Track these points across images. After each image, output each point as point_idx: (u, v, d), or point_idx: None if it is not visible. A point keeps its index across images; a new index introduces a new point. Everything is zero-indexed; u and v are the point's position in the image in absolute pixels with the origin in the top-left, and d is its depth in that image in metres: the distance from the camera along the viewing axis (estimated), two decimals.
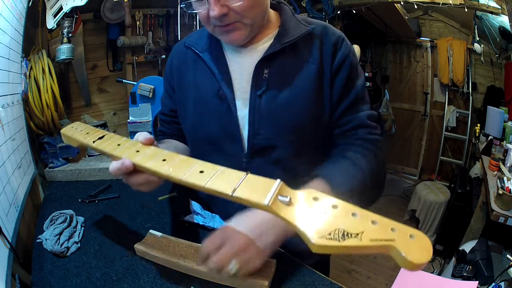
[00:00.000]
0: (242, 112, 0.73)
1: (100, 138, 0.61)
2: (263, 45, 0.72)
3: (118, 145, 0.58)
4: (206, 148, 0.78)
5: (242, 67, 0.73)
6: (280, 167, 0.73)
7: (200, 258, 0.56)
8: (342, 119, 0.74)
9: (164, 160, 0.52)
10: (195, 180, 0.46)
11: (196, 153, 0.83)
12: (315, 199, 0.41)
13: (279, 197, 0.42)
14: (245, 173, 0.47)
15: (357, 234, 0.36)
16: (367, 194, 0.68)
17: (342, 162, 0.70)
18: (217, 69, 0.74)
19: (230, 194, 0.43)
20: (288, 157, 0.73)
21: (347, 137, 0.75)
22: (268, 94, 0.71)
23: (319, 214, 0.39)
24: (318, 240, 0.37)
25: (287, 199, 0.41)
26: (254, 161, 0.74)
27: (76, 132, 0.66)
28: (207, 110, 0.76)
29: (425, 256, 0.34)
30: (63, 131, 0.69)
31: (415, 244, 0.35)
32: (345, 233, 0.37)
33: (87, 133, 0.64)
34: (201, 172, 0.47)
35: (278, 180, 0.44)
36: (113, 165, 0.56)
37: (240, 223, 0.60)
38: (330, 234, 0.37)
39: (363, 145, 0.73)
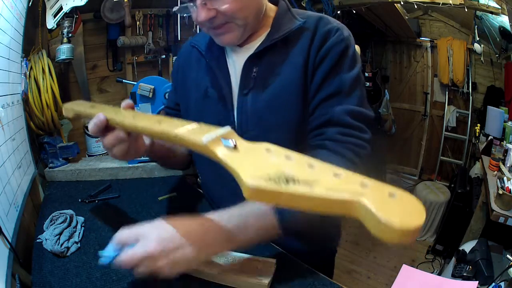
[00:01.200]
0: (236, 111, 0.74)
1: (92, 107, 0.65)
2: (257, 44, 0.71)
3: (103, 110, 0.61)
4: None
5: (236, 66, 0.73)
6: None
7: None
8: (314, 113, 0.66)
9: (134, 117, 0.55)
10: (148, 124, 0.49)
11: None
12: (268, 150, 0.35)
13: (222, 140, 0.38)
14: (198, 124, 0.45)
15: (308, 182, 0.27)
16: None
17: None
18: (217, 67, 0.74)
19: (174, 133, 0.42)
20: None
21: (314, 136, 0.66)
22: (254, 93, 0.70)
23: (265, 161, 0.32)
24: (252, 181, 0.29)
25: (231, 144, 0.37)
26: None
27: (76, 104, 0.71)
28: (206, 108, 0.77)
29: (412, 218, 0.23)
30: (65, 104, 0.73)
31: (396, 203, 0.25)
32: (291, 179, 0.28)
33: (83, 105, 0.70)
34: (159, 122, 0.48)
35: (228, 127, 0.43)
36: (91, 122, 0.59)
37: (165, 227, 0.53)
38: (270, 178, 0.28)
39: (332, 148, 0.61)
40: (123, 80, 1.62)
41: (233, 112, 0.73)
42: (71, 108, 0.70)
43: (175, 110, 0.91)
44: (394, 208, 0.24)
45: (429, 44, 3.16)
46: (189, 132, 0.42)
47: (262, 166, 0.30)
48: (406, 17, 2.98)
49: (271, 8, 0.74)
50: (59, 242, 0.73)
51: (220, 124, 0.73)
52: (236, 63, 0.74)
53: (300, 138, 0.71)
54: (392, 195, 0.26)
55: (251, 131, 0.71)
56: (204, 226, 0.55)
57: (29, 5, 1.15)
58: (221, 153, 0.36)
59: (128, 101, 0.63)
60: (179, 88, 0.86)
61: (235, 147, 0.37)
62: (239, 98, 0.72)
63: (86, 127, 1.77)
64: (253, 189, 0.28)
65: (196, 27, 2.08)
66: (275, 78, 0.69)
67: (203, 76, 0.77)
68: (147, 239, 0.50)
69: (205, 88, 0.76)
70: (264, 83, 0.69)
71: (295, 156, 0.33)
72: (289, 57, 0.69)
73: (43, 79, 1.18)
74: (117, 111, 0.60)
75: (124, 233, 0.52)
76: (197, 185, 1.30)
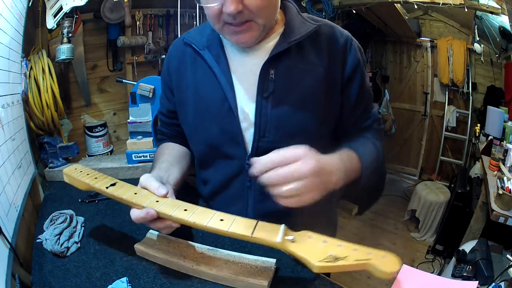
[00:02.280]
0: (245, 114, 0.70)
1: (112, 185, 0.65)
2: (268, 44, 0.69)
3: (135, 193, 0.63)
4: (207, 151, 0.77)
5: (246, 66, 0.70)
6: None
7: (261, 164, 0.53)
8: (360, 119, 0.78)
9: (185, 210, 0.60)
10: (218, 226, 0.56)
11: (198, 155, 0.82)
12: (309, 237, 0.54)
13: (286, 237, 0.54)
14: (256, 221, 0.57)
15: (344, 257, 0.49)
16: (378, 174, 0.76)
17: (363, 139, 0.76)
18: (218, 68, 0.70)
19: (249, 237, 0.54)
20: None
21: (362, 131, 0.79)
22: (275, 97, 0.68)
23: (315, 247, 0.52)
24: (318, 263, 0.49)
25: (292, 238, 0.54)
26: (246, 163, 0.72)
27: (82, 175, 0.68)
28: (207, 111, 0.73)
29: (395, 267, 0.48)
30: (66, 171, 0.70)
31: (386, 261, 0.49)
32: (336, 257, 0.50)
33: (96, 178, 0.67)
34: (222, 220, 0.57)
35: (283, 225, 0.55)
36: (137, 214, 0.59)
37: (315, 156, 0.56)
38: (325, 258, 0.49)
39: (375, 134, 0.80)
40: (123, 80, 1.63)
41: (237, 115, 0.70)
42: (82, 180, 0.67)
43: (168, 117, 0.86)
44: (386, 263, 0.48)
45: (429, 44, 3.16)
46: (260, 232, 0.54)
47: (317, 251, 0.51)
48: (406, 17, 2.99)
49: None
50: (59, 242, 0.73)
51: (224, 127, 0.72)
52: (245, 63, 0.71)
53: (317, 144, 0.71)
54: (384, 256, 0.50)
55: (269, 136, 0.70)
56: (342, 160, 0.63)
57: (29, 5, 1.15)
58: (291, 248, 0.53)
59: (161, 191, 0.62)
60: (175, 92, 0.80)
61: (293, 239, 0.54)
62: (258, 101, 0.69)
63: (86, 127, 1.77)
64: (320, 268, 0.49)
65: None
66: (295, 83, 0.69)
67: (202, 77, 0.73)
68: (309, 158, 0.53)
69: (205, 89, 0.73)
70: (284, 87, 0.68)
71: (328, 239, 0.53)
72: (305, 62, 0.69)
73: (43, 79, 1.18)
74: (156, 197, 0.61)
75: (279, 154, 0.53)
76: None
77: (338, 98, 0.72)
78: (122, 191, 0.62)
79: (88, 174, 0.69)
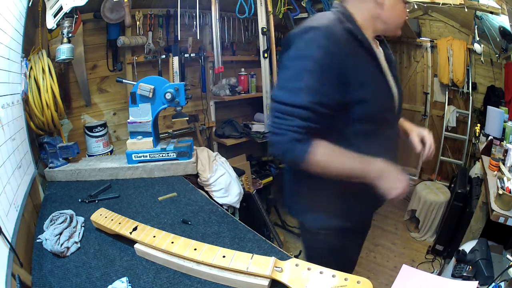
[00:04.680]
0: (394, 94, 0.94)
1: (134, 229, 0.75)
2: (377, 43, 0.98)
3: (154, 236, 0.72)
4: (378, 122, 0.91)
5: (381, 57, 0.94)
6: (397, 128, 1.05)
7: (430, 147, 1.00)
8: None
9: (195, 249, 0.68)
10: (221, 263, 0.64)
11: (365, 131, 0.88)
12: (296, 265, 0.62)
13: (275, 268, 0.63)
14: (251, 254, 0.66)
15: (324, 285, 0.59)
16: None
17: None
18: (376, 57, 0.89)
19: (245, 270, 0.63)
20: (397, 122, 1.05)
21: None
22: (397, 82, 0.97)
23: (299, 275, 0.61)
24: None
25: (280, 269, 0.63)
26: (396, 125, 1.02)
27: (108, 221, 0.79)
28: (378, 90, 0.90)
29: None
30: (93, 218, 0.82)
31: (361, 286, 0.58)
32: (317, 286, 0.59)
33: (119, 223, 0.78)
34: (224, 256, 0.66)
35: (273, 257, 0.65)
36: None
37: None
38: (307, 286, 0.59)
39: None
40: (123, 80, 1.62)
41: (394, 95, 0.94)
42: (108, 227, 0.78)
43: (328, 109, 0.78)
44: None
45: (429, 44, 3.16)
46: (254, 266, 0.63)
47: (300, 279, 0.60)
48: (406, 17, 2.98)
49: None
50: (59, 242, 0.73)
51: (388, 102, 0.94)
52: (380, 55, 0.94)
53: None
54: (358, 282, 0.58)
55: (399, 110, 0.99)
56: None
57: (29, 5, 1.15)
58: (278, 277, 0.62)
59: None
60: (351, 77, 0.80)
61: (281, 269, 0.63)
62: (397, 85, 0.96)
63: (86, 127, 1.77)
64: None
65: (197, 27, 2.08)
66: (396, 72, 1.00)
67: (367, 62, 0.88)
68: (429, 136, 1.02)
69: (372, 73, 0.89)
70: (395, 74, 0.99)
71: (312, 266, 0.62)
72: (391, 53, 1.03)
73: (43, 79, 1.18)
74: (171, 239, 0.70)
75: (431, 138, 1.05)
76: (197, 185, 1.30)
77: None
78: (144, 236, 0.73)
79: (112, 220, 0.79)
